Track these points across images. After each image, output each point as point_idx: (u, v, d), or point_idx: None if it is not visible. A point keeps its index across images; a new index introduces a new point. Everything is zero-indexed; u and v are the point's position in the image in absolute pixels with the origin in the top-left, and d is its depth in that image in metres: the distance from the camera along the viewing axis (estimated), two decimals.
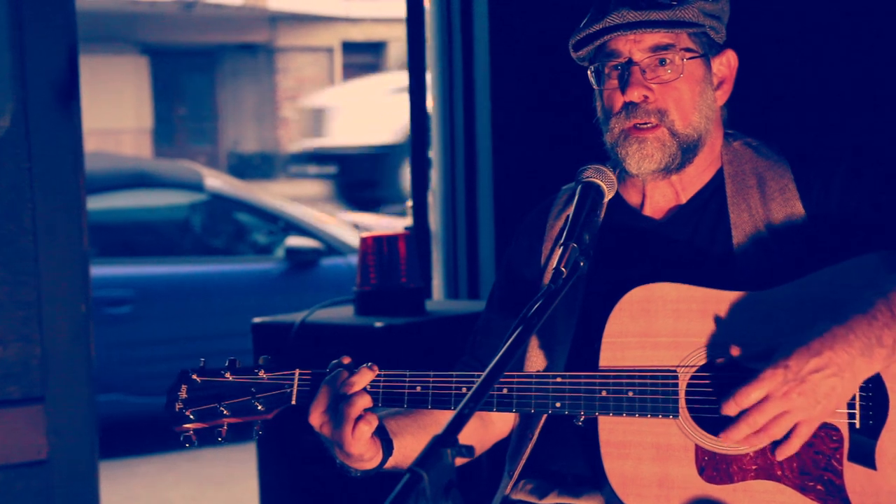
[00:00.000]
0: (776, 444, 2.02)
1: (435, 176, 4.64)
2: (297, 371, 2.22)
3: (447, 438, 1.56)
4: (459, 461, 1.55)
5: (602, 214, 2.35)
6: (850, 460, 2.03)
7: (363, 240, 3.70)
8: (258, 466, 3.85)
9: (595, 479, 2.22)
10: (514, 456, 2.34)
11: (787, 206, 2.24)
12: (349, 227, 8.50)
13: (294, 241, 7.42)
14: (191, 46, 21.51)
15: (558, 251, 2.04)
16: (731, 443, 2.03)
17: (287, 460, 3.67)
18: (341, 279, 7.29)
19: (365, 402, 2.11)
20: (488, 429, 2.40)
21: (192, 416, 2.23)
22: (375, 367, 2.15)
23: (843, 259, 2.10)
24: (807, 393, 1.94)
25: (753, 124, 2.44)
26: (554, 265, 2.02)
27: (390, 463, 2.19)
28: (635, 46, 2.23)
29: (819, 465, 2.04)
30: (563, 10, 2.58)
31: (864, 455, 2.01)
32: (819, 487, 2.03)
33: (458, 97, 4.42)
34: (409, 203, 4.56)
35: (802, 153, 2.31)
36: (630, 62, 2.23)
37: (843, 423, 2.04)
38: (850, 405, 2.04)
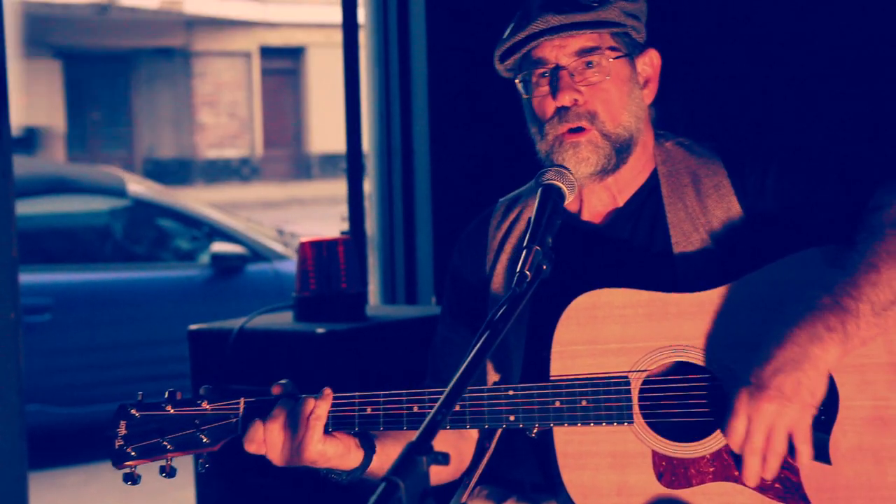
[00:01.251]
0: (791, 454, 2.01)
1: (370, 181, 4.63)
2: (243, 400, 2.18)
3: (422, 446, 1.54)
4: (435, 469, 1.53)
5: None
6: None
7: (302, 245, 3.66)
8: (195, 476, 3.78)
9: (551, 486, 2.22)
10: (471, 467, 2.32)
11: (723, 202, 2.26)
12: (274, 232, 8.42)
13: (219, 247, 7.34)
14: (106, 51, 21.18)
15: (504, 257, 2.00)
16: (758, 482, 2.01)
17: (226, 469, 3.60)
18: (267, 285, 7.22)
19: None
20: (467, 441, 2.37)
21: (133, 453, 2.18)
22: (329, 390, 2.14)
23: (783, 254, 2.12)
24: (774, 397, 1.95)
25: (682, 123, 2.46)
26: (500, 273, 1.99)
27: (374, 465, 2.17)
28: (561, 52, 2.24)
29: None
30: (500, 18, 2.58)
31: (819, 450, 2.02)
32: (777, 486, 2.04)
33: (395, 103, 4.41)
34: (345, 210, 4.54)
35: (735, 150, 2.33)
36: (558, 67, 2.24)
37: None
38: None
